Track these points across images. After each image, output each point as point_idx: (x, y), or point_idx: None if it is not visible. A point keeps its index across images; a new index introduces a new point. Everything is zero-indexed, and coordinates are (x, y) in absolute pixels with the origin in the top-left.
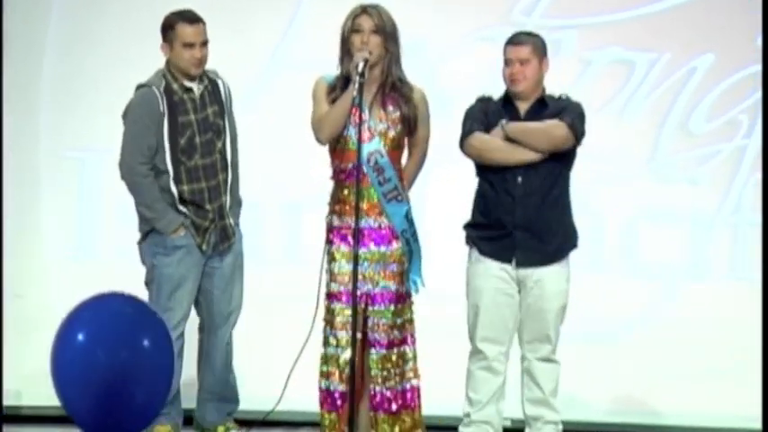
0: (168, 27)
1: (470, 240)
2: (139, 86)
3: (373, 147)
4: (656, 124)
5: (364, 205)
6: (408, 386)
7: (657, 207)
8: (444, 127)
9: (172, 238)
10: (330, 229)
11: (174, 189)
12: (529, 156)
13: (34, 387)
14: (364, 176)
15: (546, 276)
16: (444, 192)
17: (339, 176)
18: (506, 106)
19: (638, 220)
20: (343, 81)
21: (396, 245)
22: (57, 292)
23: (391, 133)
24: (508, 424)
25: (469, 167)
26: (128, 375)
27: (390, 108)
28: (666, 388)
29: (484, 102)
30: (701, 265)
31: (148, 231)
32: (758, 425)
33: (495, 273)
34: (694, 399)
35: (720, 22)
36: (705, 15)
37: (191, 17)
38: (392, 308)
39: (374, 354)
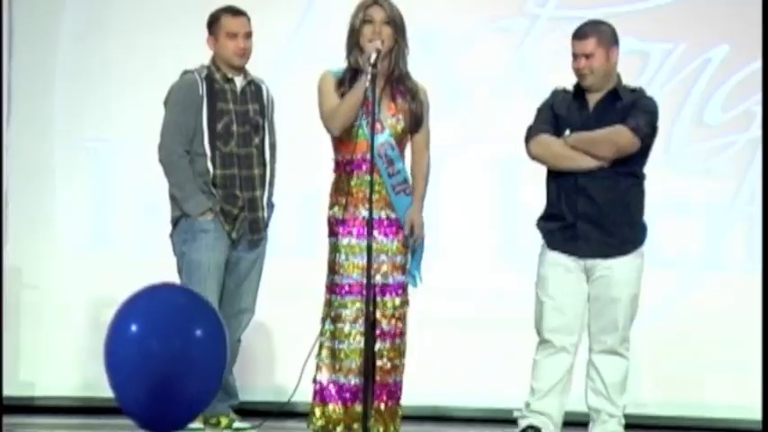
0: (214, 20)
1: (541, 233)
2: (183, 73)
3: (384, 138)
4: (670, 115)
5: (373, 196)
6: (401, 378)
7: (672, 198)
8: (457, 120)
9: (199, 221)
10: (336, 221)
11: (210, 169)
12: (590, 163)
13: (48, 378)
14: (374, 168)
15: (614, 265)
16: (457, 186)
17: (346, 168)
18: (577, 98)
19: (652, 211)
20: (352, 73)
21: (401, 236)
22: (71, 283)
23: (400, 126)
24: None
25: (479, 164)
26: (181, 365)
27: (400, 101)
28: (683, 379)
29: (555, 95)
30: (716, 256)
31: (179, 219)
32: None
33: (561, 261)
34: (711, 390)
35: (735, 12)
36: (720, 6)
37: (235, 10)
38: (399, 299)
39: (383, 345)
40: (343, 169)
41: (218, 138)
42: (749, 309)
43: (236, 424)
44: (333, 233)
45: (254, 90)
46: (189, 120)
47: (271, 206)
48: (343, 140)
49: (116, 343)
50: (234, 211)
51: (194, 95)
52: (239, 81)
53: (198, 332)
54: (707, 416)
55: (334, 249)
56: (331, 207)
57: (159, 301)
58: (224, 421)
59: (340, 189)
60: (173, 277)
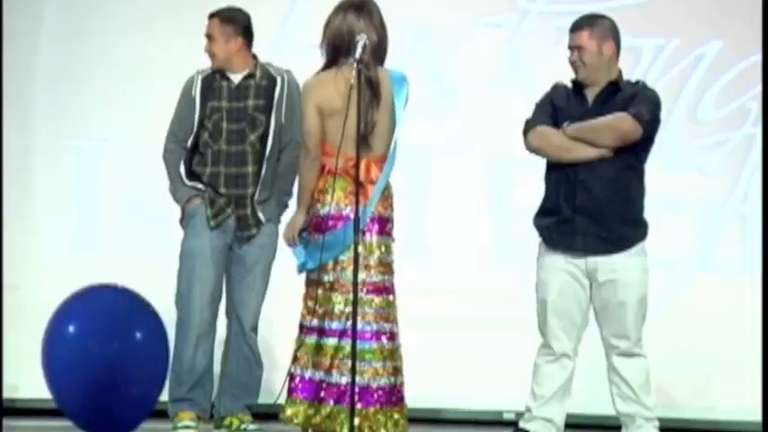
0: None
1: (537, 230)
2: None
3: None
4: (663, 112)
5: None
6: (363, 382)
7: (665, 197)
8: (447, 117)
9: (190, 208)
10: None
11: (182, 169)
12: (591, 153)
13: (31, 380)
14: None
15: (619, 268)
16: (447, 185)
17: None
18: (576, 91)
19: (645, 210)
20: None
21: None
22: (55, 283)
23: None
24: (512, 416)
25: (470, 161)
26: (120, 368)
27: None
28: (676, 381)
29: (555, 89)
30: (709, 256)
31: (182, 216)
32: None
33: (562, 266)
34: (704, 392)
35: (729, 7)
36: (713, 1)
37: (210, 14)
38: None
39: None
40: None
41: (209, 136)
42: (744, 309)
43: (245, 425)
44: None
45: (265, 85)
46: (183, 119)
47: (279, 202)
48: None
49: (53, 345)
50: (218, 201)
51: (188, 96)
52: (237, 77)
53: (137, 334)
54: (704, 418)
55: None
56: None
57: (97, 303)
58: (235, 423)
59: None
60: (156, 278)
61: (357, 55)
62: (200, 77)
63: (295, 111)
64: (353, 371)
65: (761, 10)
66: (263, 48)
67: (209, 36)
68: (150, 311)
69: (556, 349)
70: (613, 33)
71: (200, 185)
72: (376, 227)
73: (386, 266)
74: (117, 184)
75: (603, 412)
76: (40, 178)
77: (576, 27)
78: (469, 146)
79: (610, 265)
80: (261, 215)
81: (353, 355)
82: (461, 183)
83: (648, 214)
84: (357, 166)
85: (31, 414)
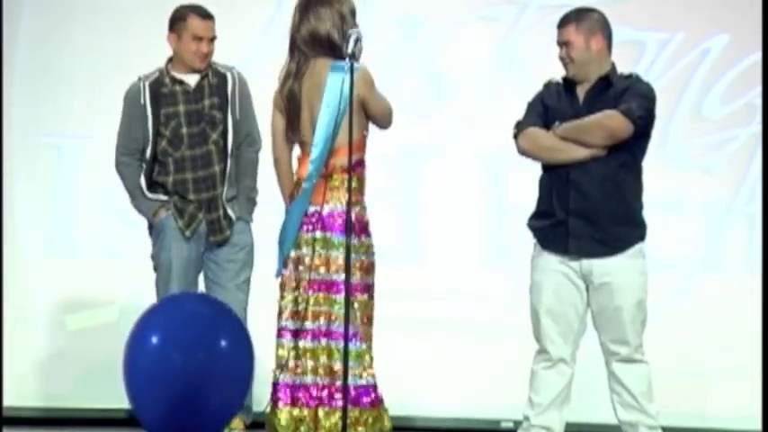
0: (179, 18)
1: (532, 232)
2: (136, 80)
3: None
4: (667, 109)
5: None
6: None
7: (669, 196)
8: (442, 113)
9: (158, 222)
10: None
11: (142, 180)
12: (582, 153)
13: (7, 388)
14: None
15: (614, 270)
16: (441, 182)
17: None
18: (568, 89)
19: (648, 210)
20: None
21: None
22: (32, 289)
23: None
24: (510, 425)
25: (464, 159)
26: (204, 378)
27: None
28: (681, 386)
29: (547, 87)
30: (715, 257)
31: (150, 225)
32: None
33: (556, 267)
34: (710, 398)
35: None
36: None
37: (203, 12)
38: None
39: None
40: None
41: (168, 144)
42: (750, 313)
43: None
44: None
45: (216, 83)
46: (134, 130)
47: (246, 198)
48: None
49: (136, 356)
50: (189, 209)
51: (136, 106)
52: (193, 79)
53: (222, 343)
54: (703, 426)
55: None
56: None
57: (180, 312)
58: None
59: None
60: (137, 280)
61: (350, 50)
62: (146, 84)
63: (247, 106)
64: (345, 372)
65: (761, 7)
66: (248, 50)
67: (213, 38)
68: (235, 319)
69: (552, 354)
70: (602, 27)
71: (163, 196)
72: (313, 223)
73: (323, 262)
74: (99, 183)
75: (604, 420)
76: (15, 177)
77: (563, 22)
78: (464, 143)
79: (605, 268)
80: (231, 213)
81: (345, 355)
82: (457, 182)
83: (650, 214)
84: (349, 164)
85: (10, 423)
